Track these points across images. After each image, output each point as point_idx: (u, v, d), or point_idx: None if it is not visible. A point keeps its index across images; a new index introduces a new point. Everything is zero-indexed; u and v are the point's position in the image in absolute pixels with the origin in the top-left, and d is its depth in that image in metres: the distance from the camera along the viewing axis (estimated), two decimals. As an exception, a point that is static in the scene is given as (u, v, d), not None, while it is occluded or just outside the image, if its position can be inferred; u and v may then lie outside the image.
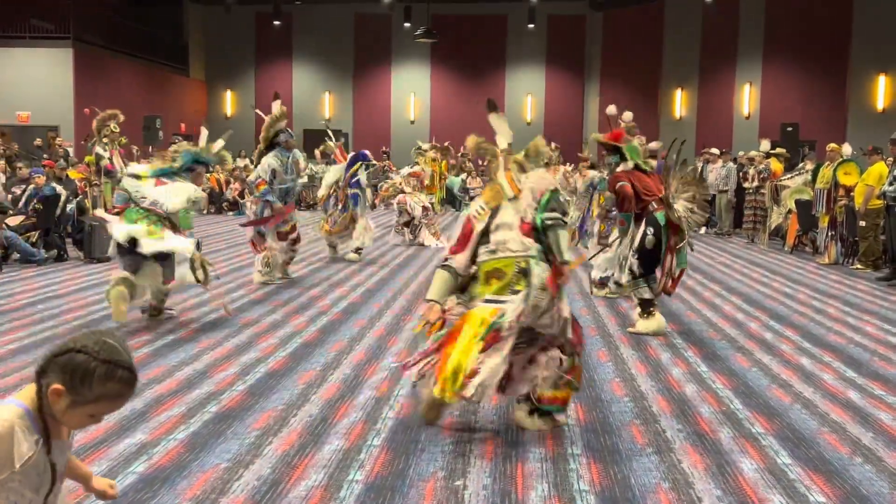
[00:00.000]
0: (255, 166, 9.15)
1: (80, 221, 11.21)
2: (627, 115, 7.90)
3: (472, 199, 23.24)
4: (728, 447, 4.22)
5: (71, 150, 17.67)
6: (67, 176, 11.96)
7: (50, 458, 1.97)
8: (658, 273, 6.96)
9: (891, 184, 9.83)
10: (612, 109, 7.52)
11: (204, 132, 7.77)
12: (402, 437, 4.28)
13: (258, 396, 4.93)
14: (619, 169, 7.02)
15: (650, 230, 6.75)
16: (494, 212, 4.52)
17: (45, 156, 15.16)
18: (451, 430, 4.40)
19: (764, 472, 3.91)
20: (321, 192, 11.65)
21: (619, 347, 6.41)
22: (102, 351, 1.92)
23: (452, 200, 23.06)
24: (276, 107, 9.06)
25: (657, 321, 6.86)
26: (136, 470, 3.79)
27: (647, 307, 6.88)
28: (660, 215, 6.73)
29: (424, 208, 13.74)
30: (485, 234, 4.47)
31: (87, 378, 1.90)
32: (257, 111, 10.10)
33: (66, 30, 21.60)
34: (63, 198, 11.21)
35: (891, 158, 10.66)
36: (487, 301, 4.30)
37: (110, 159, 11.83)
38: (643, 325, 6.87)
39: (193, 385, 5.14)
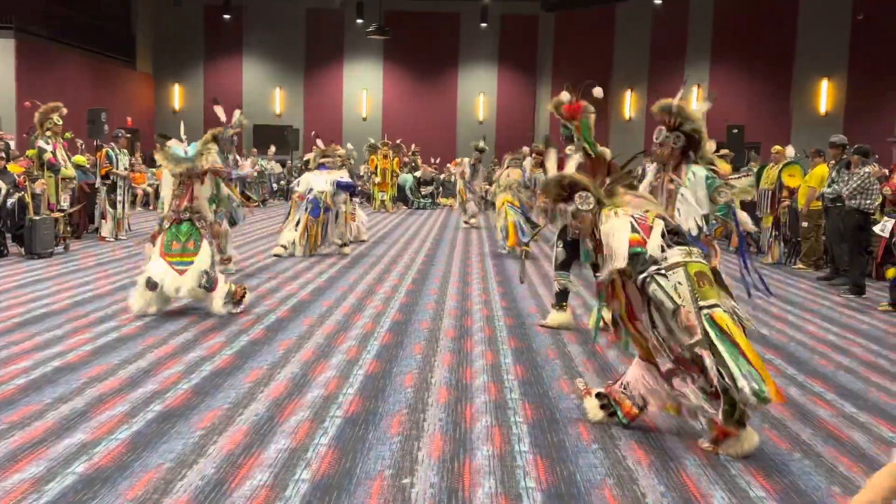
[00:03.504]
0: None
1: (20, 216, 10.92)
2: (598, 91, 7.82)
3: (424, 196, 23.37)
4: (671, 443, 4.28)
5: (12, 143, 17.19)
6: (6, 169, 11.62)
7: None
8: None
9: (828, 185, 10.07)
10: (599, 92, 7.37)
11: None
12: (350, 435, 4.26)
13: (203, 395, 4.86)
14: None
15: None
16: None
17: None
18: (399, 429, 4.39)
19: (706, 467, 3.97)
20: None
21: (567, 345, 6.47)
22: None
23: (405, 199, 23.05)
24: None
25: (565, 316, 7.08)
26: (75, 470, 3.70)
27: (560, 300, 7.11)
28: None
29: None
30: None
31: None
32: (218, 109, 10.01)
33: (7, 19, 21.00)
34: (3, 192, 10.91)
35: (831, 161, 10.92)
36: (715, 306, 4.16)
37: (53, 153, 11.57)
38: (551, 318, 7.11)
39: (137, 383, 5.05)
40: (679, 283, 4.11)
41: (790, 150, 12.38)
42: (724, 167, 15.72)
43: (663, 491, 3.68)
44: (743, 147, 17.55)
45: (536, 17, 29.42)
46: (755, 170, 13.56)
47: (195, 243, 7.19)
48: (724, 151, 15.35)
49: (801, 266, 11.43)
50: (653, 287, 4.11)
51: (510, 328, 7.02)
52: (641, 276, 4.13)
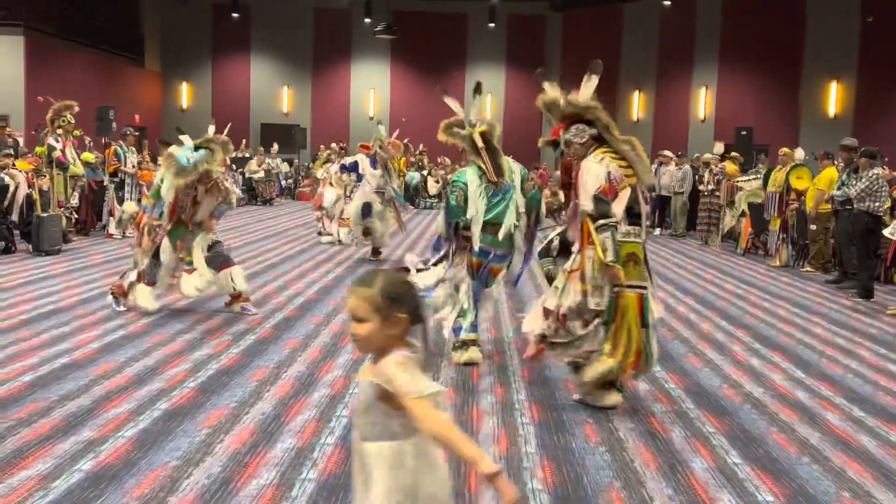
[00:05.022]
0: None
1: (28, 213, 10.95)
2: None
3: (430, 196, 23.33)
4: (679, 446, 4.27)
5: (21, 140, 17.23)
6: (14, 166, 11.65)
7: None
8: None
9: (838, 188, 10.02)
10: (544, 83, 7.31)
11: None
12: (356, 435, 4.25)
13: (210, 394, 4.86)
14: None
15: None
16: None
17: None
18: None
19: (714, 471, 3.96)
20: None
21: (575, 347, 6.43)
22: None
23: (411, 198, 23.03)
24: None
25: None
26: (82, 468, 3.71)
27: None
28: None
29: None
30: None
31: None
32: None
33: (17, 17, 21.06)
34: (12, 189, 10.93)
35: (841, 163, 10.87)
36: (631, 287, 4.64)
37: (63, 151, 11.58)
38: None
39: (143, 381, 5.05)
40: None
41: (799, 153, 12.31)
42: (731, 169, 15.64)
43: (671, 494, 3.66)
44: (751, 149, 17.47)
45: (544, 17, 29.37)
46: (763, 172, 13.52)
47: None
48: (733, 154, 15.35)
49: (809, 269, 11.38)
50: (606, 234, 4.53)
51: (516, 329, 7.00)
52: (602, 222, 4.54)
